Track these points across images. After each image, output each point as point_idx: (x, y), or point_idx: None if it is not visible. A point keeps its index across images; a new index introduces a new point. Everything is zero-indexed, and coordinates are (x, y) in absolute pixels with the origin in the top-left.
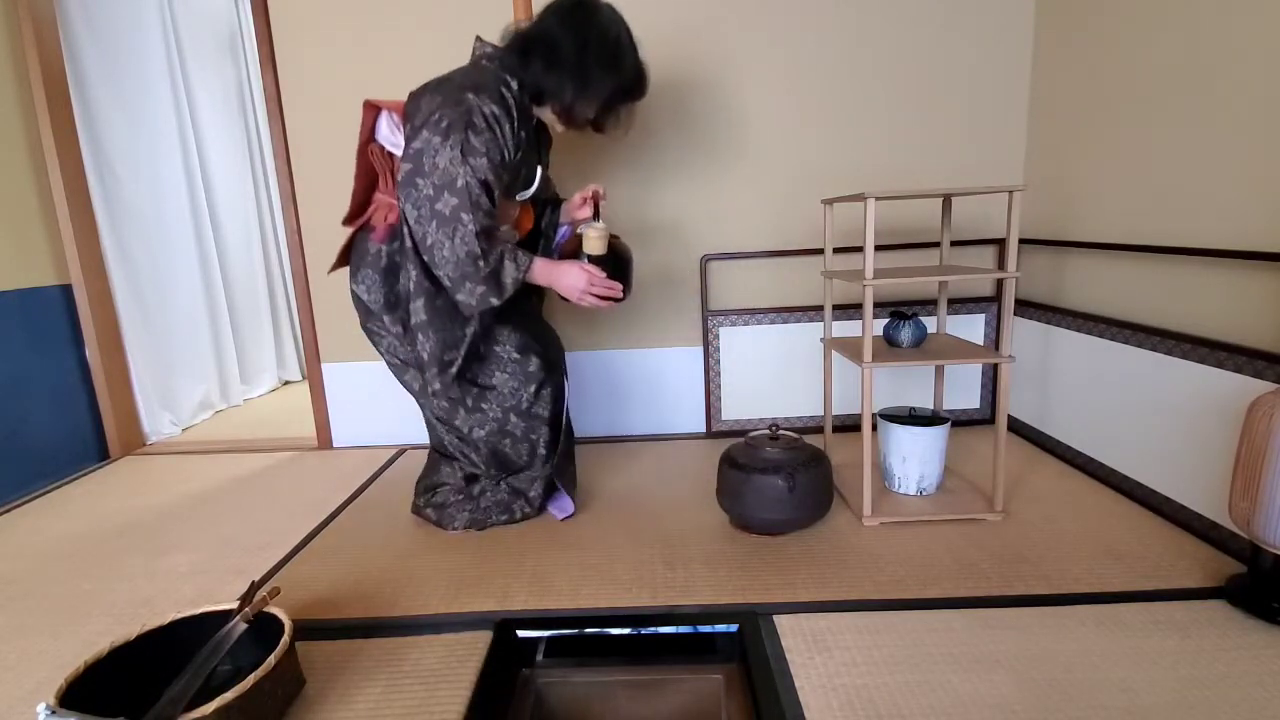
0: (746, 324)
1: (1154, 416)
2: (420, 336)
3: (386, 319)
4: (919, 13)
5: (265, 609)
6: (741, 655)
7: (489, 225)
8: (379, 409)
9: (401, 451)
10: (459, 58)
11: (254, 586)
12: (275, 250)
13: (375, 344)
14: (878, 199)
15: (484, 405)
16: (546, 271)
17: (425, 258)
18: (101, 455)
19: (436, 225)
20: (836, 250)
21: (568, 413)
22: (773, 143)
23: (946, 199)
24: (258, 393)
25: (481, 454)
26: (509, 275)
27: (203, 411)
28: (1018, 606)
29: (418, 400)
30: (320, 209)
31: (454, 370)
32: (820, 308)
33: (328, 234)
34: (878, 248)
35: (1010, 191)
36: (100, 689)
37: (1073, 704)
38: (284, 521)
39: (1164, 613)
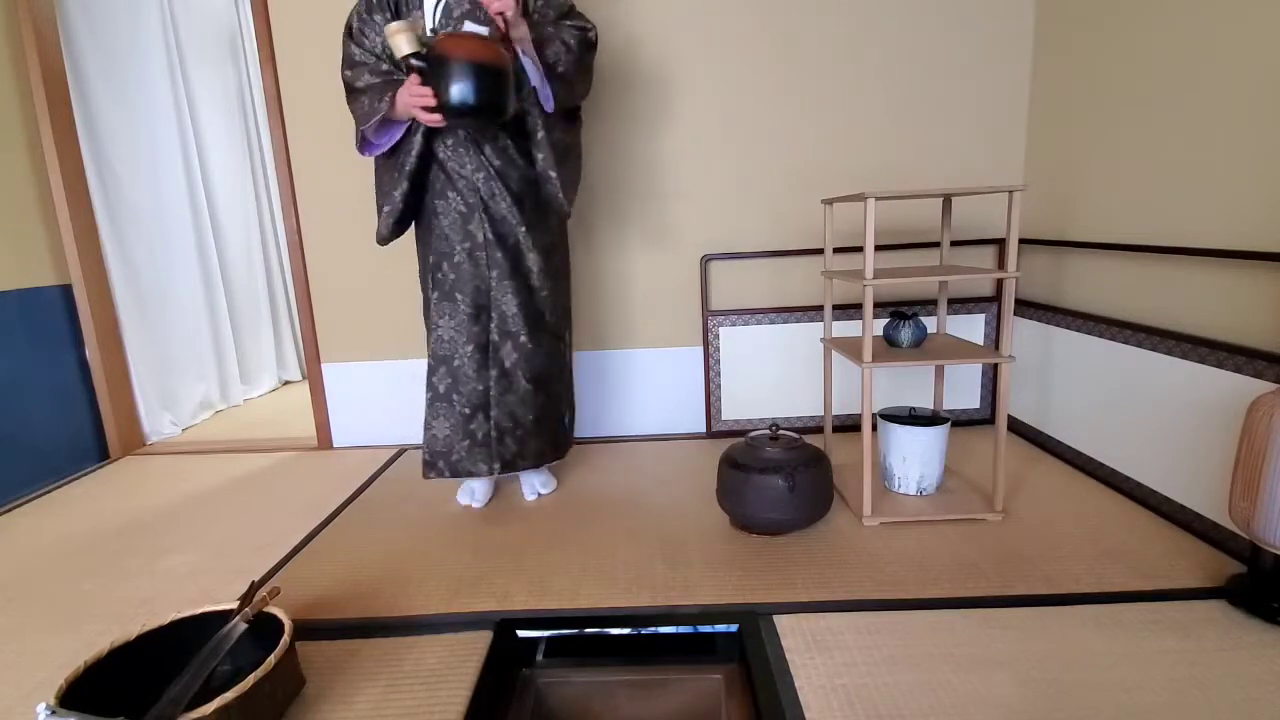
0: (746, 324)
1: (1154, 416)
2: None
3: None
4: (920, 13)
5: (265, 609)
6: (741, 655)
7: (358, 59)
8: (379, 409)
9: (401, 451)
10: None
11: (254, 586)
12: (275, 250)
13: None
14: (878, 199)
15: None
16: (401, 98)
17: None
18: (101, 455)
19: None
20: (836, 250)
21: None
22: (773, 143)
23: (946, 199)
24: (258, 393)
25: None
26: (365, 98)
27: (203, 411)
28: (1018, 606)
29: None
30: (320, 210)
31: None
32: (820, 308)
33: (328, 234)
34: (878, 248)
35: (1010, 191)
36: (100, 689)
37: (1073, 704)
38: (284, 521)
39: (1164, 613)
